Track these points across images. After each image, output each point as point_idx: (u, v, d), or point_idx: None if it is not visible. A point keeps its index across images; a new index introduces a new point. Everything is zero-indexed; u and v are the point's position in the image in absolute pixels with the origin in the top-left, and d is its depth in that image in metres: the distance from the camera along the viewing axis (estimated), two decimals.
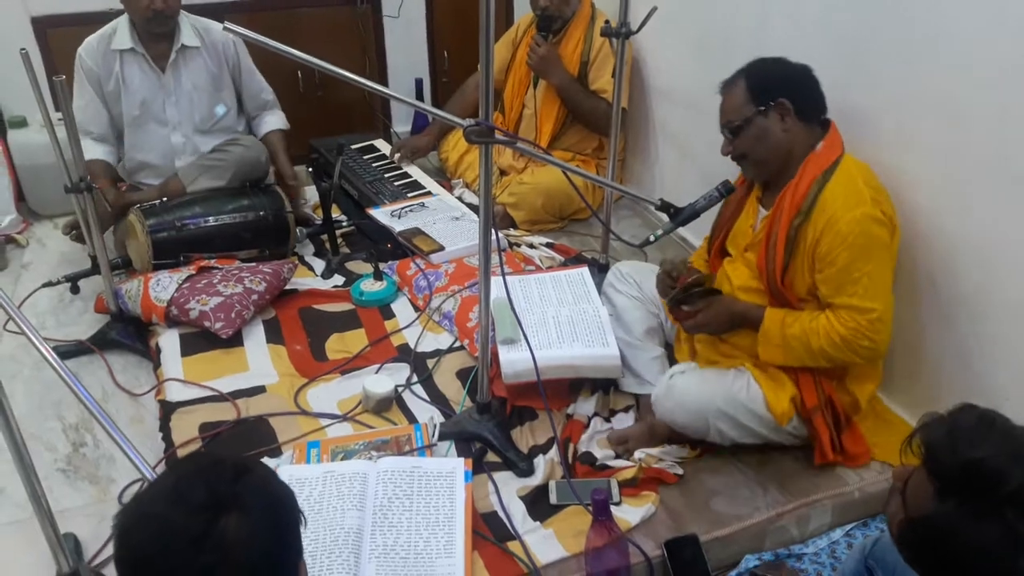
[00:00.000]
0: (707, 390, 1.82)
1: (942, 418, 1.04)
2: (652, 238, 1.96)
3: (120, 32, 2.64)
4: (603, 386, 2.12)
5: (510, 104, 3.15)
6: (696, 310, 1.87)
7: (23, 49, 2.00)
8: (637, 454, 1.91)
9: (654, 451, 1.90)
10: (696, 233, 2.74)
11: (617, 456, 1.94)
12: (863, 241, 1.69)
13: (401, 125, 3.73)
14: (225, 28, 1.63)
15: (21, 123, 3.10)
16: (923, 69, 1.85)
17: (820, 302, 1.78)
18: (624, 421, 2.05)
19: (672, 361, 2.08)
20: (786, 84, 1.79)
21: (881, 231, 1.72)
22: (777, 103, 1.77)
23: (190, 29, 2.68)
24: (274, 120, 2.93)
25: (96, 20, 2.84)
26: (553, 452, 1.93)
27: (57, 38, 3.09)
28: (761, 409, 1.81)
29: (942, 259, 1.89)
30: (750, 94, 1.79)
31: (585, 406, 2.08)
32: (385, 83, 3.58)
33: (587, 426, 2.02)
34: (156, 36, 2.64)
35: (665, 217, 1.99)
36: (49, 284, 2.53)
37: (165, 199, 2.64)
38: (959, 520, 0.97)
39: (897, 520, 1.07)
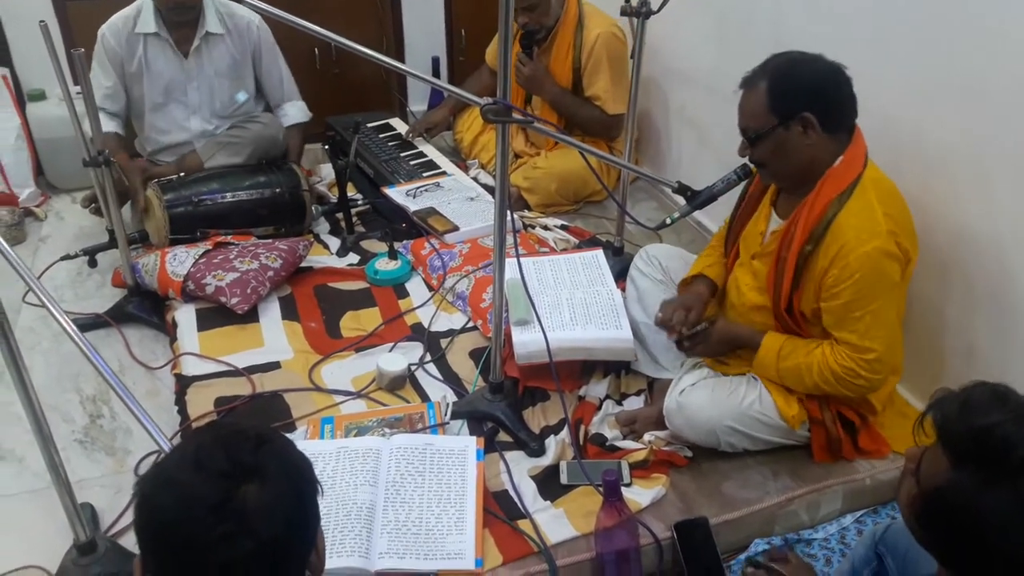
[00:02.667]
0: (717, 409, 1.79)
1: (954, 393, 1.04)
2: (669, 221, 1.95)
3: (144, 15, 2.64)
4: (615, 369, 2.12)
5: None
6: (697, 341, 1.87)
7: (42, 22, 2.00)
8: (647, 436, 1.91)
9: (662, 434, 1.90)
10: (712, 218, 2.73)
11: (625, 437, 1.94)
12: (871, 279, 1.62)
13: (417, 104, 3.72)
14: (243, 2, 1.63)
15: (40, 96, 3.12)
16: (948, 56, 1.81)
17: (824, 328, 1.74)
18: (635, 404, 2.06)
19: None
20: (813, 96, 1.64)
21: (892, 268, 1.63)
22: (800, 117, 1.64)
23: (215, 15, 2.68)
24: (295, 112, 2.92)
25: None
26: (564, 433, 1.94)
27: (76, 12, 3.10)
28: (774, 417, 1.79)
29: (964, 251, 1.86)
30: (772, 104, 1.65)
31: (597, 388, 2.08)
32: (402, 61, 3.56)
33: (599, 408, 2.02)
34: (180, 23, 2.64)
35: (682, 200, 1.98)
36: (67, 257, 2.55)
37: (183, 174, 2.65)
38: (972, 489, 0.96)
39: (910, 497, 1.06)
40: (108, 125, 2.69)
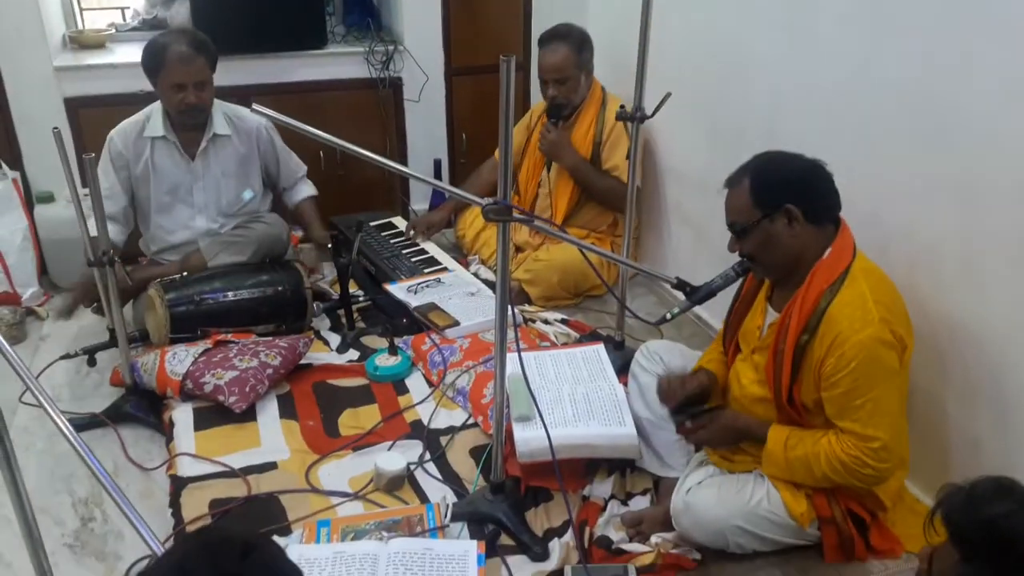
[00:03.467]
0: (725, 508, 1.77)
1: (960, 487, 1.04)
2: (669, 316, 1.96)
3: (153, 120, 2.72)
4: (620, 467, 2.09)
5: (525, 185, 3.21)
6: (700, 425, 1.86)
7: (56, 128, 2.07)
8: (653, 538, 1.86)
9: (670, 535, 1.85)
10: (712, 313, 2.74)
11: (631, 539, 1.89)
12: (868, 366, 1.63)
13: (419, 203, 3.79)
14: (254, 110, 1.69)
15: (48, 198, 3.18)
16: (937, 153, 1.87)
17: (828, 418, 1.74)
18: (641, 504, 2.01)
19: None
20: (794, 188, 1.70)
21: (889, 355, 1.65)
22: (784, 209, 1.70)
23: (222, 118, 2.77)
24: (306, 188, 3.07)
25: (126, 102, 2.95)
26: (569, 535, 1.89)
27: (88, 118, 3.20)
28: (783, 516, 1.76)
29: (959, 343, 1.87)
30: (755, 198, 1.71)
31: (601, 488, 2.04)
32: (405, 163, 3.66)
33: (604, 508, 1.97)
34: (188, 126, 2.72)
35: (681, 295, 1.99)
36: (67, 356, 2.55)
37: (185, 273, 2.68)
38: None
39: None
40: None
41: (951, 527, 1.02)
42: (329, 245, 3.02)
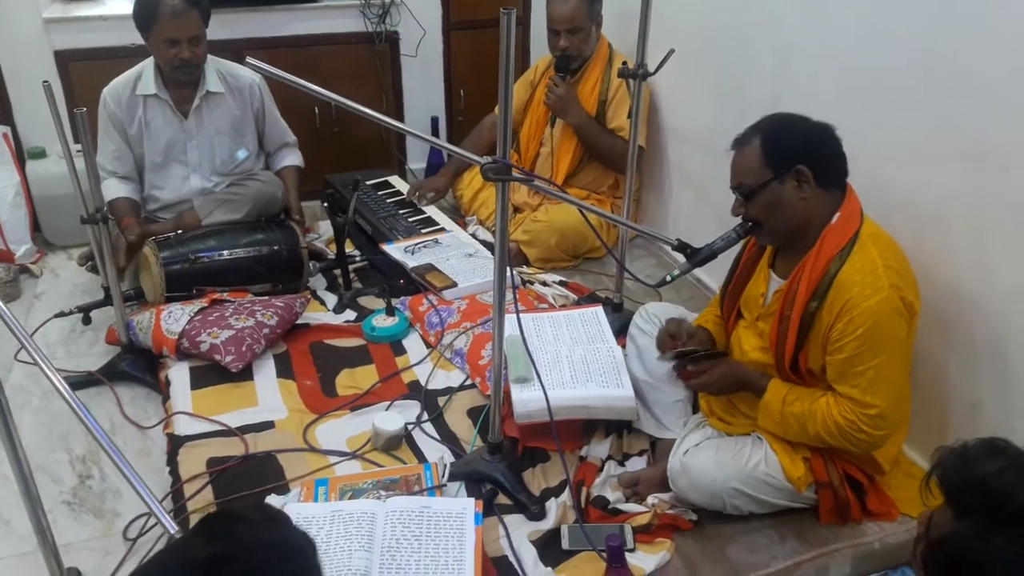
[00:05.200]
0: (722, 471, 1.76)
1: (953, 448, 1.06)
2: (668, 278, 1.94)
3: (145, 77, 2.67)
4: (617, 428, 2.09)
5: (527, 143, 3.16)
6: (700, 370, 1.85)
7: (46, 82, 2.02)
8: (650, 499, 1.87)
9: (666, 496, 1.86)
10: (712, 275, 2.72)
11: (628, 499, 1.90)
12: (875, 334, 1.61)
13: (416, 162, 3.75)
14: (247, 63, 1.65)
15: (40, 154, 3.14)
16: (946, 117, 1.83)
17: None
18: (638, 465, 2.02)
19: (696, 405, 2.04)
20: (807, 149, 1.66)
21: (897, 323, 1.63)
22: (795, 170, 1.66)
23: (215, 75, 2.71)
24: (292, 157, 2.98)
25: (118, 55, 2.89)
26: (565, 495, 1.89)
27: (79, 71, 3.13)
28: (780, 479, 1.76)
29: (963, 307, 1.86)
30: (765, 158, 1.67)
31: (599, 448, 2.04)
32: (401, 120, 3.60)
33: (601, 469, 1.98)
34: (181, 82, 2.67)
35: (681, 257, 1.97)
36: (61, 314, 2.53)
37: (180, 232, 2.65)
38: (975, 537, 0.98)
39: (921, 556, 1.07)
40: (120, 190, 2.72)
41: (945, 487, 1.04)
42: (324, 204, 2.98)
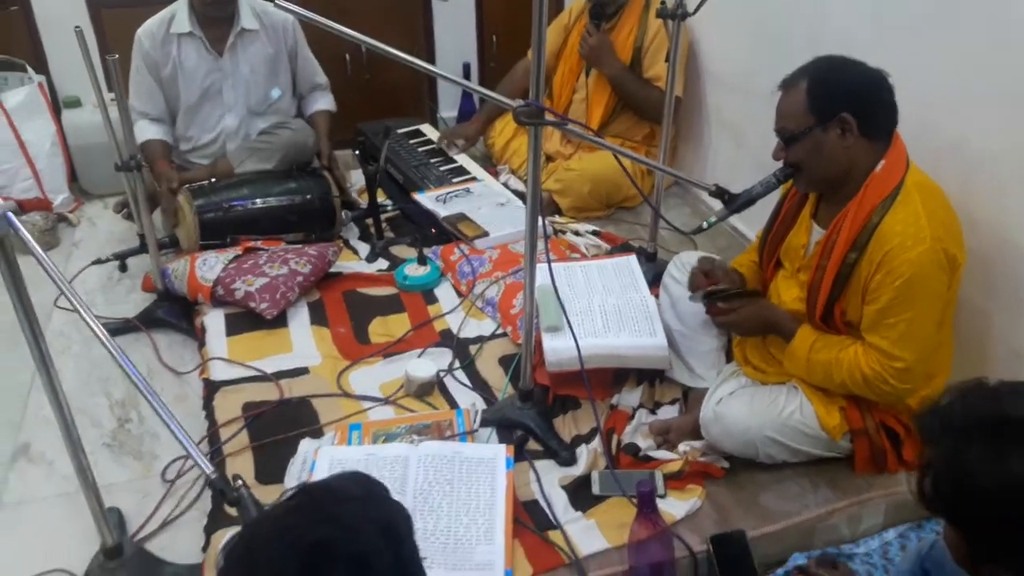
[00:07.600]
0: (756, 419, 1.74)
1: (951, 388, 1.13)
2: (705, 225, 1.89)
3: (179, 16, 2.65)
4: (649, 377, 2.08)
5: (559, 91, 3.10)
6: (731, 308, 1.82)
7: (77, 27, 2.02)
8: (681, 447, 1.87)
9: (698, 444, 1.86)
10: (749, 224, 2.67)
11: (659, 446, 1.90)
12: (912, 286, 1.57)
13: (448, 110, 3.71)
14: (278, 5, 1.62)
15: (75, 103, 3.15)
16: (993, 58, 1.75)
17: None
18: (669, 413, 2.01)
19: (730, 355, 2.02)
20: (853, 97, 1.61)
21: (937, 276, 1.58)
22: (839, 118, 1.61)
23: (249, 11, 2.68)
24: (324, 101, 2.95)
25: (150, 1, 2.87)
26: (596, 442, 1.90)
27: (111, 18, 3.13)
28: (815, 428, 1.74)
29: (1008, 255, 1.80)
30: (811, 103, 1.62)
31: (630, 397, 2.04)
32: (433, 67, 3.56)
33: (632, 417, 1.98)
34: (215, 19, 2.64)
35: (718, 205, 1.93)
36: (98, 262, 2.57)
37: (214, 180, 2.66)
38: (958, 446, 1.04)
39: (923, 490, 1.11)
40: (151, 131, 2.71)
41: (920, 433, 1.12)
42: (356, 152, 2.96)
